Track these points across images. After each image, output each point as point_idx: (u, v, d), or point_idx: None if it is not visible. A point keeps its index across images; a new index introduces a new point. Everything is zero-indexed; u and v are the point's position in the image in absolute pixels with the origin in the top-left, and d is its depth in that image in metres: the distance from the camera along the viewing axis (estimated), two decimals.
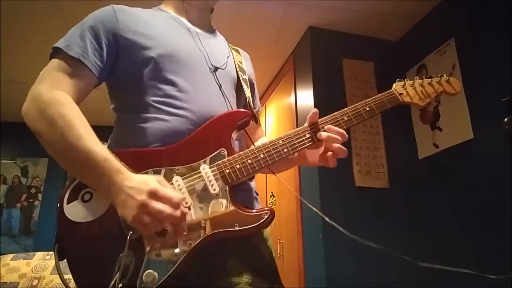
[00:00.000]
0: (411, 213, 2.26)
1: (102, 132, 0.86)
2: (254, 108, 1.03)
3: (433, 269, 0.92)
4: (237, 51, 1.10)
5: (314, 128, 0.88)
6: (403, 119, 2.43)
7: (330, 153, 0.87)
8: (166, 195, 0.68)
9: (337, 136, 0.86)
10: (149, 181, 0.69)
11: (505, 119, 1.08)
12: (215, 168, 0.81)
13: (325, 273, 2.00)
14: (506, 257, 1.64)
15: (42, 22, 2.37)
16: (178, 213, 0.69)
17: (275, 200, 2.88)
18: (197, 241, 0.76)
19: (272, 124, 3.16)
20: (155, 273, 0.72)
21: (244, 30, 2.57)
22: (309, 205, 0.99)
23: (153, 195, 0.67)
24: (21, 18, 2.37)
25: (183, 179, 0.79)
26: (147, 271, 0.72)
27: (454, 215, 2.00)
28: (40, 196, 3.85)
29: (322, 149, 0.90)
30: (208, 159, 0.82)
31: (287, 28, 2.56)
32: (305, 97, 2.50)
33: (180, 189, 0.78)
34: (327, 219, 0.91)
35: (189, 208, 0.76)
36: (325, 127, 0.87)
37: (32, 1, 2.23)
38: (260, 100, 1.21)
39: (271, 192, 2.97)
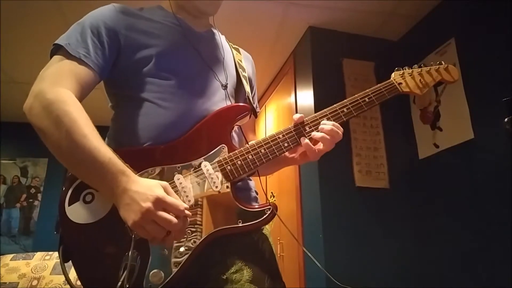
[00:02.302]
0: (411, 213, 2.26)
1: (104, 132, 0.86)
2: (253, 104, 1.02)
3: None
4: (237, 50, 1.10)
5: (317, 123, 0.88)
6: (403, 119, 2.43)
7: (317, 147, 0.86)
8: (172, 203, 0.68)
9: (329, 136, 0.85)
10: (155, 187, 0.68)
11: (506, 119, 1.08)
12: (216, 165, 0.81)
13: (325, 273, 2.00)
14: (506, 257, 1.64)
15: (42, 22, 2.36)
16: (182, 221, 0.69)
17: (275, 200, 2.88)
18: (201, 239, 0.76)
19: (272, 124, 3.16)
20: (161, 273, 0.72)
21: (244, 29, 2.57)
22: (311, 255, 1.00)
23: (160, 203, 0.66)
24: (21, 18, 2.36)
25: (184, 177, 0.79)
26: (153, 271, 0.72)
27: (454, 215, 2.00)
28: (39, 196, 3.85)
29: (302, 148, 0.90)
30: (209, 155, 0.81)
31: (287, 28, 2.56)
32: (305, 97, 2.49)
33: (182, 187, 0.77)
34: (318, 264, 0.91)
35: (191, 207, 0.75)
36: (319, 127, 0.86)
37: (32, 1, 2.23)
38: (260, 100, 1.22)
39: (271, 192, 2.97)
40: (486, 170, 1.83)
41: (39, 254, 2.09)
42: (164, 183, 0.72)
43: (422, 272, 2.12)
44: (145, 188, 0.68)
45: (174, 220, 0.67)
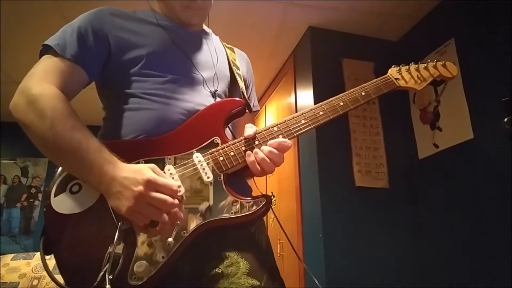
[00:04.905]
0: (411, 213, 2.26)
1: (98, 131, 0.86)
2: (250, 101, 1.01)
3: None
4: (232, 50, 1.09)
5: (313, 116, 0.86)
6: (403, 119, 2.43)
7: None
8: (164, 184, 0.67)
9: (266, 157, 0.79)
10: (143, 169, 0.68)
11: (505, 119, 1.08)
12: (208, 155, 0.80)
13: (325, 273, 2.00)
14: (506, 257, 1.64)
15: (42, 22, 2.36)
16: (177, 200, 0.68)
17: (275, 200, 2.88)
18: (191, 230, 0.74)
19: None
20: (147, 264, 0.70)
21: (244, 30, 2.57)
22: (312, 275, 0.98)
23: (151, 184, 0.66)
24: (21, 18, 2.36)
25: (175, 167, 0.77)
26: (138, 262, 0.69)
27: (454, 215, 2.00)
28: (40, 196, 3.85)
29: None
30: (201, 147, 0.81)
31: (287, 28, 2.56)
32: (305, 97, 2.50)
33: (173, 178, 0.76)
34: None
35: (182, 197, 0.74)
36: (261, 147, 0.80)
37: (32, 1, 2.23)
38: (260, 100, 1.21)
39: (271, 192, 2.97)
40: (486, 170, 1.83)
41: (39, 254, 2.08)
42: (151, 164, 0.71)
43: (422, 272, 2.12)
44: (133, 172, 0.67)
45: (170, 199, 0.67)
